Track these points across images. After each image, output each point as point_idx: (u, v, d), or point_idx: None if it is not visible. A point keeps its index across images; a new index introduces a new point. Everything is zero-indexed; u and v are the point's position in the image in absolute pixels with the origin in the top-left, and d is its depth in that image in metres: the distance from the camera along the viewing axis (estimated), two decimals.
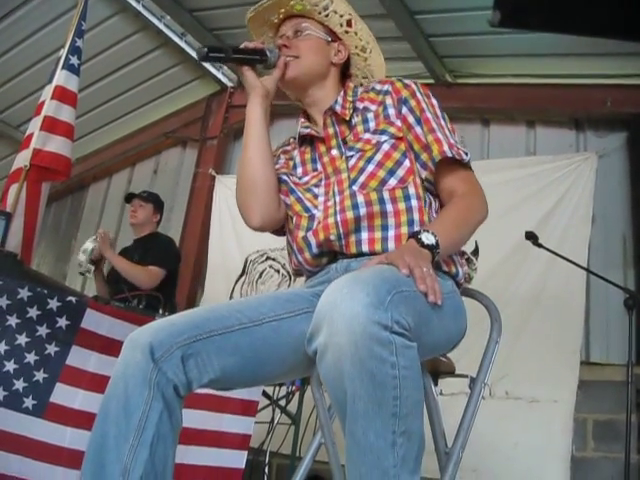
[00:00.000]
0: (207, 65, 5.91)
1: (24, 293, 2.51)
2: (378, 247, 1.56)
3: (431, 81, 5.06)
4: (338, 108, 1.72)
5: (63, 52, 3.96)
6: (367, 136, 1.67)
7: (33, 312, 2.52)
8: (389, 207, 1.58)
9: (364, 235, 1.59)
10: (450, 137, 1.65)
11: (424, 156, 1.63)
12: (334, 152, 1.71)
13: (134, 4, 5.22)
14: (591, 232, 4.31)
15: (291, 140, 1.88)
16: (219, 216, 5.70)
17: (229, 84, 6.18)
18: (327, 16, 1.78)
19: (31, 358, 2.51)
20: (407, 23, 4.65)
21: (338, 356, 1.16)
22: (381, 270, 1.28)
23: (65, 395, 2.57)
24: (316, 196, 1.69)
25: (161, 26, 5.45)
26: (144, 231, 4.32)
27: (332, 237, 1.60)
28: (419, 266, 1.31)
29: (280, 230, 1.82)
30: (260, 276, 5.37)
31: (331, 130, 1.73)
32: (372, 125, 1.69)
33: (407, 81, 1.73)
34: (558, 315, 4.15)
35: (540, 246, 3.63)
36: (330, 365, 1.19)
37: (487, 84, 5.05)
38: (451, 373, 1.71)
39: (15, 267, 2.81)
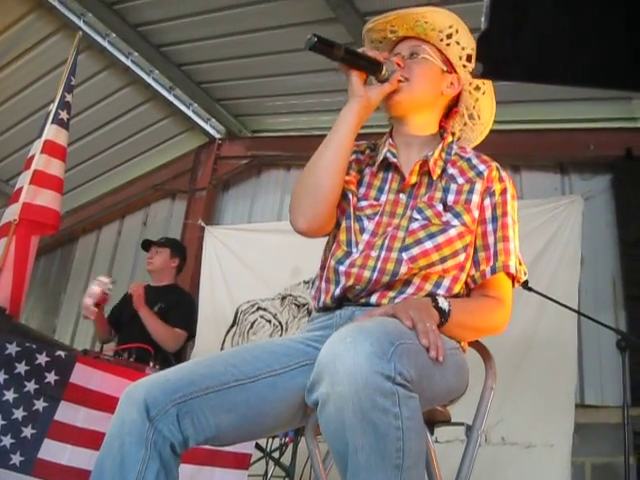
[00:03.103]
0: (195, 118, 5.98)
1: (12, 348, 2.49)
2: (384, 302, 1.55)
3: None
4: (431, 162, 1.64)
5: (53, 107, 4.00)
6: (440, 208, 1.60)
7: (21, 367, 2.50)
8: (417, 281, 1.56)
9: (379, 291, 1.56)
10: (517, 250, 1.63)
11: (482, 255, 1.61)
12: (402, 196, 1.65)
13: (123, 59, 5.30)
14: (580, 274, 4.33)
15: (367, 150, 1.79)
16: (209, 267, 5.69)
17: (217, 136, 6.23)
18: (448, 45, 1.69)
19: (19, 414, 2.48)
20: None
21: (340, 406, 1.14)
22: (385, 322, 1.28)
23: (54, 451, 2.54)
24: (362, 230, 1.63)
25: (150, 80, 5.52)
26: (163, 279, 4.26)
27: (358, 287, 1.56)
28: (422, 321, 1.31)
29: (325, 235, 1.75)
30: (251, 326, 5.34)
31: (414, 178, 1.65)
32: (451, 199, 1.62)
33: (503, 174, 1.68)
34: (551, 358, 4.14)
35: (530, 289, 3.63)
36: (331, 416, 1.17)
37: None
38: (447, 422, 1.69)
39: (3, 321, 2.80)
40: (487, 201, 1.63)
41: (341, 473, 1.20)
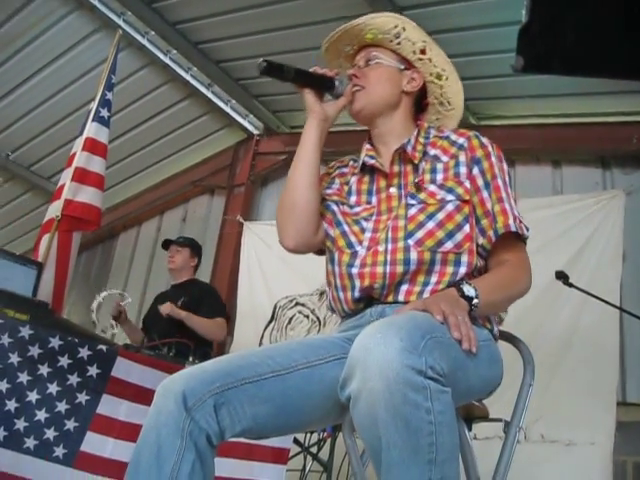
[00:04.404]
0: (233, 114, 6.01)
1: (55, 342, 2.53)
2: (413, 298, 1.54)
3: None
4: (409, 149, 1.68)
5: (94, 105, 4.07)
6: (432, 188, 1.62)
7: (64, 361, 2.54)
8: (437, 267, 1.56)
9: (404, 287, 1.56)
10: (515, 209, 1.63)
11: (485, 222, 1.61)
12: (392, 190, 1.67)
13: (162, 57, 5.36)
14: (622, 270, 4.25)
15: (350, 162, 1.84)
16: (247, 263, 5.73)
17: (255, 132, 6.26)
18: (399, 44, 1.75)
19: (62, 407, 2.52)
20: None
21: (372, 402, 1.14)
22: (415, 316, 1.28)
23: (96, 444, 2.58)
24: (363, 230, 1.66)
25: (188, 77, 5.58)
26: (182, 276, 4.35)
27: (376, 285, 1.57)
28: (454, 314, 1.31)
29: (319, 252, 1.80)
30: (289, 322, 5.36)
31: (396, 168, 1.69)
32: (440, 177, 1.64)
33: (484, 140, 1.70)
34: (592, 355, 4.08)
35: (571, 285, 3.58)
36: (364, 411, 1.17)
37: (511, 125, 5.06)
38: (485, 418, 1.68)
39: (46, 316, 2.84)
40: (475, 170, 1.64)
41: (375, 468, 1.20)
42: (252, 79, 5.53)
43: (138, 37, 5.17)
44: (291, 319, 5.37)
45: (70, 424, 2.53)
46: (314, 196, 1.69)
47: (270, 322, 5.44)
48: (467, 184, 1.62)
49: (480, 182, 1.63)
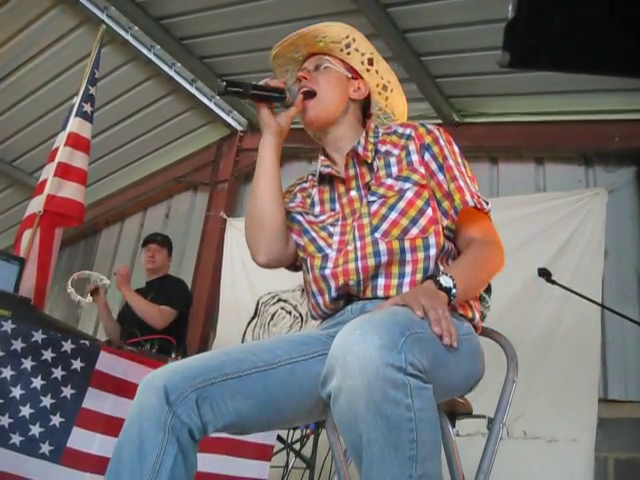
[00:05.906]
0: (217, 110, 5.99)
1: (38, 336, 2.52)
2: (393, 292, 1.55)
3: (439, 121, 5.10)
4: (360, 150, 1.70)
5: (76, 100, 4.03)
6: (390, 182, 1.65)
7: (48, 354, 2.53)
8: (408, 256, 1.57)
9: (380, 281, 1.58)
10: (471, 185, 1.66)
11: (446, 204, 1.63)
12: (353, 193, 1.70)
13: (145, 52, 5.33)
14: (604, 267, 4.28)
15: (309, 177, 1.87)
16: (230, 259, 5.72)
17: (239, 128, 6.24)
18: (349, 54, 1.79)
19: (47, 402, 2.50)
20: (414, 65, 4.71)
21: (352, 399, 1.15)
22: (395, 312, 1.28)
23: (82, 440, 2.56)
24: (331, 235, 1.68)
25: (172, 73, 5.55)
26: (158, 274, 4.42)
27: (351, 282, 1.58)
28: (434, 308, 1.31)
29: (292, 266, 1.82)
30: (272, 318, 5.36)
31: (352, 171, 1.71)
32: (395, 170, 1.67)
33: (430, 126, 1.72)
34: (574, 352, 4.11)
35: (553, 282, 3.60)
36: (344, 409, 1.17)
37: (494, 123, 5.08)
38: (468, 414, 1.68)
39: (28, 312, 2.82)
40: (427, 156, 1.67)
41: (357, 464, 1.20)
42: (236, 75, 5.51)
43: (122, 32, 5.13)
44: (274, 315, 5.36)
45: (56, 419, 2.50)
46: (280, 210, 1.71)
47: (253, 318, 5.44)
48: (422, 170, 1.65)
49: (434, 166, 1.66)
